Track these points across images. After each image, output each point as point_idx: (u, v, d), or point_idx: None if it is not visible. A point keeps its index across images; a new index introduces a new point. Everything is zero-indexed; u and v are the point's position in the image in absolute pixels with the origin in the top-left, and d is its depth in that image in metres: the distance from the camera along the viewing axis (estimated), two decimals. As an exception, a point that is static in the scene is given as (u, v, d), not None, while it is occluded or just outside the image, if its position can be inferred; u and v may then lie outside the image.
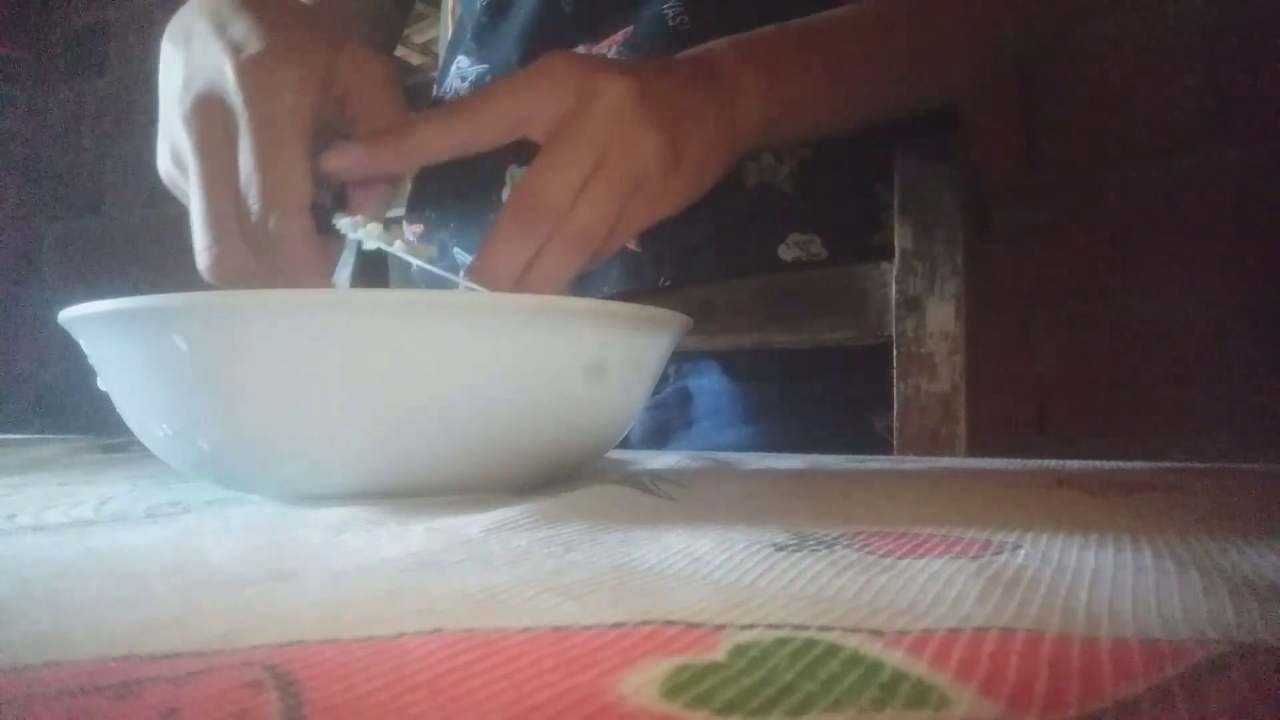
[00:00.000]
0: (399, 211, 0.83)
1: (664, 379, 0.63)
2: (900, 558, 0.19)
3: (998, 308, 1.22)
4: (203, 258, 0.36)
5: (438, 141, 0.38)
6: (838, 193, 0.58)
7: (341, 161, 0.37)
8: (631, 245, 0.59)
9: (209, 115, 0.37)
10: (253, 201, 0.36)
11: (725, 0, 0.56)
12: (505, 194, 0.62)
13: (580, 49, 0.60)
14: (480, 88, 0.38)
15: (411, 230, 0.71)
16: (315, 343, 0.25)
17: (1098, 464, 0.39)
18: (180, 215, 0.38)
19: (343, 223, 0.37)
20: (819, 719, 0.10)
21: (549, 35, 0.61)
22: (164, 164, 0.42)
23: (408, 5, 0.72)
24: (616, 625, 0.14)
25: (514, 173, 0.62)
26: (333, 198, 0.41)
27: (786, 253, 0.58)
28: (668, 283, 0.59)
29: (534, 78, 0.39)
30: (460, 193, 0.66)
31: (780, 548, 0.20)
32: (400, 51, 1.90)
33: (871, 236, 0.58)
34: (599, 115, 0.38)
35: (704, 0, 0.57)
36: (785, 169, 0.57)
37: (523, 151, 0.62)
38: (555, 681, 0.11)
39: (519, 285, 0.37)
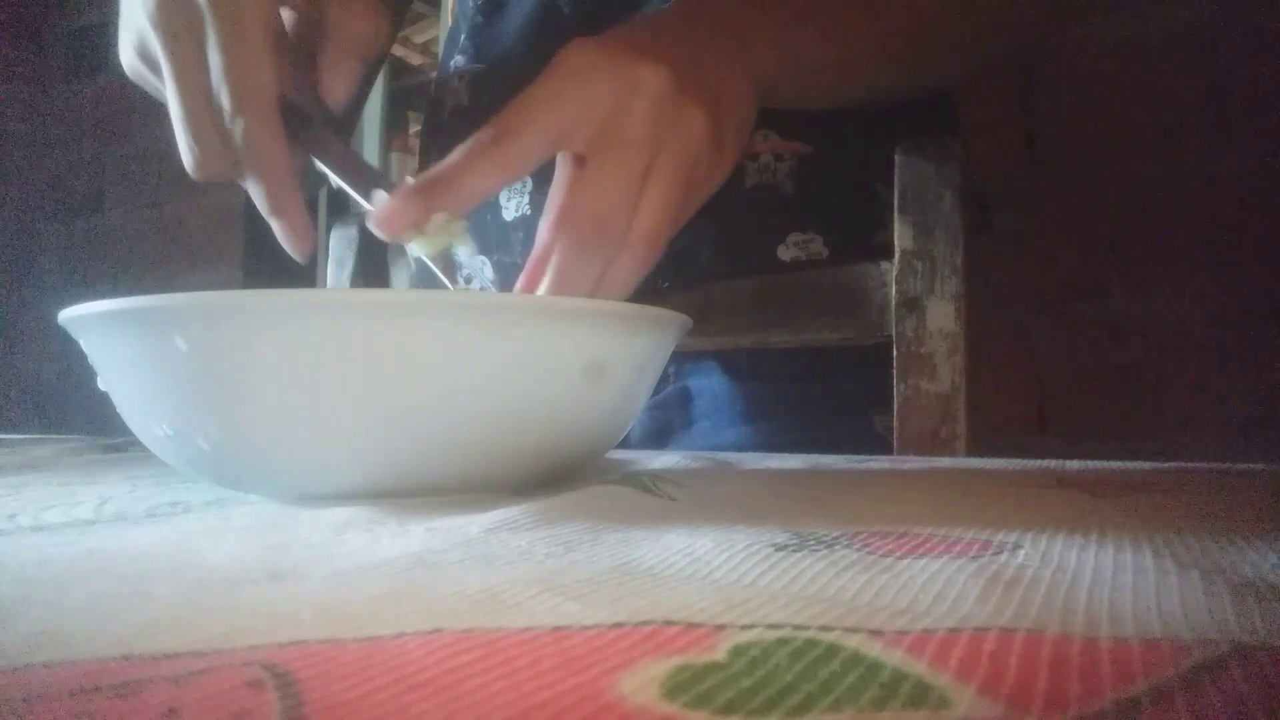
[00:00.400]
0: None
1: (664, 379, 0.63)
2: (900, 558, 0.19)
3: (998, 308, 1.22)
4: (186, 157, 0.37)
5: (490, 182, 0.36)
6: (837, 192, 0.58)
7: (396, 215, 0.35)
8: None
9: (176, 14, 0.37)
10: (224, 101, 0.36)
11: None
12: (503, 194, 0.62)
13: None
14: (508, 107, 0.36)
15: (412, 230, 0.71)
16: (315, 343, 0.25)
17: (1098, 464, 0.39)
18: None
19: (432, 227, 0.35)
20: (819, 719, 0.10)
21: (548, 34, 0.61)
22: (128, 57, 0.42)
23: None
24: (617, 625, 0.14)
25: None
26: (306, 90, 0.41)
27: (786, 253, 0.58)
28: (666, 285, 0.59)
29: (562, 84, 0.36)
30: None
31: (780, 548, 0.20)
32: (400, 51, 1.90)
33: (872, 236, 0.58)
34: (643, 112, 0.36)
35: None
36: (784, 168, 0.57)
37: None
38: (555, 681, 0.11)
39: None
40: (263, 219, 0.44)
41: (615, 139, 0.36)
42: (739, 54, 0.42)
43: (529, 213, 0.62)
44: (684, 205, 0.37)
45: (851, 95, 0.52)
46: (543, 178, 0.61)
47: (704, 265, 0.59)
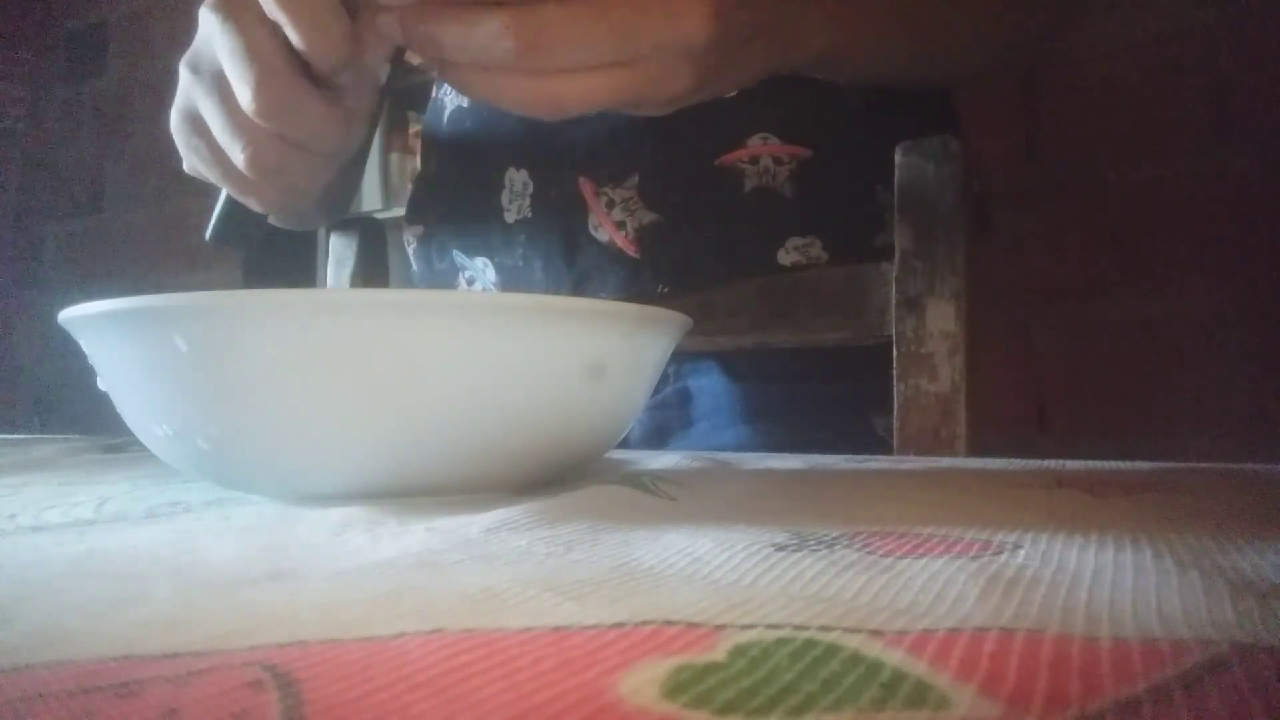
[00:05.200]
0: (399, 213, 0.83)
1: (664, 379, 0.63)
2: (900, 558, 0.19)
3: (998, 308, 1.22)
4: (245, 91, 0.37)
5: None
6: (837, 196, 0.58)
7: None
8: (630, 251, 0.59)
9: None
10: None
11: None
12: (504, 197, 0.62)
13: None
14: None
15: (412, 232, 0.71)
16: (315, 343, 0.25)
17: (1098, 464, 0.39)
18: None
19: None
20: (819, 719, 0.10)
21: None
22: (175, 120, 0.43)
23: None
24: (616, 625, 0.14)
25: (513, 175, 0.62)
26: None
27: (785, 258, 0.58)
28: (666, 289, 0.59)
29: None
30: (460, 195, 0.66)
31: (780, 548, 0.20)
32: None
33: (873, 238, 0.58)
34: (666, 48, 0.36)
35: None
36: (784, 172, 0.57)
37: (523, 154, 0.62)
38: (555, 681, 0.11)
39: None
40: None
41: (625, 31, 0.35)
42: (776, 51, 0.42)
43: (530, 215, 0.62)
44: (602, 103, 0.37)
45: (885, 69, 0.53)
46: (544, 180, 0.61)
47: (703, 271, 0.59)
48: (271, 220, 0.48)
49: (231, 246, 0.47)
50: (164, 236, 2.16)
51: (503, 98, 0.37)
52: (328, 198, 0.46)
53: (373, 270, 0.76)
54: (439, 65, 0.37)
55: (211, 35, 0.39)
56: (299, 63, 0.38)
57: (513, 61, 0.34)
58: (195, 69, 0.41)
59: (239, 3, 0.38)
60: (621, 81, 0.36)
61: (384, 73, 0.41)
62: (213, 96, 0.40)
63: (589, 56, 0.35)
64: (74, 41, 2.39)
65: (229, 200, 0.45)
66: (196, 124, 0.42)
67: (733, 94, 0.58)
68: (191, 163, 0.44)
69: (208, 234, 0.46)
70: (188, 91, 0.42)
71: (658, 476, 0.33)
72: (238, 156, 0.40)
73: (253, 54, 0.37)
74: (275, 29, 0.37)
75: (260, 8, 0.38)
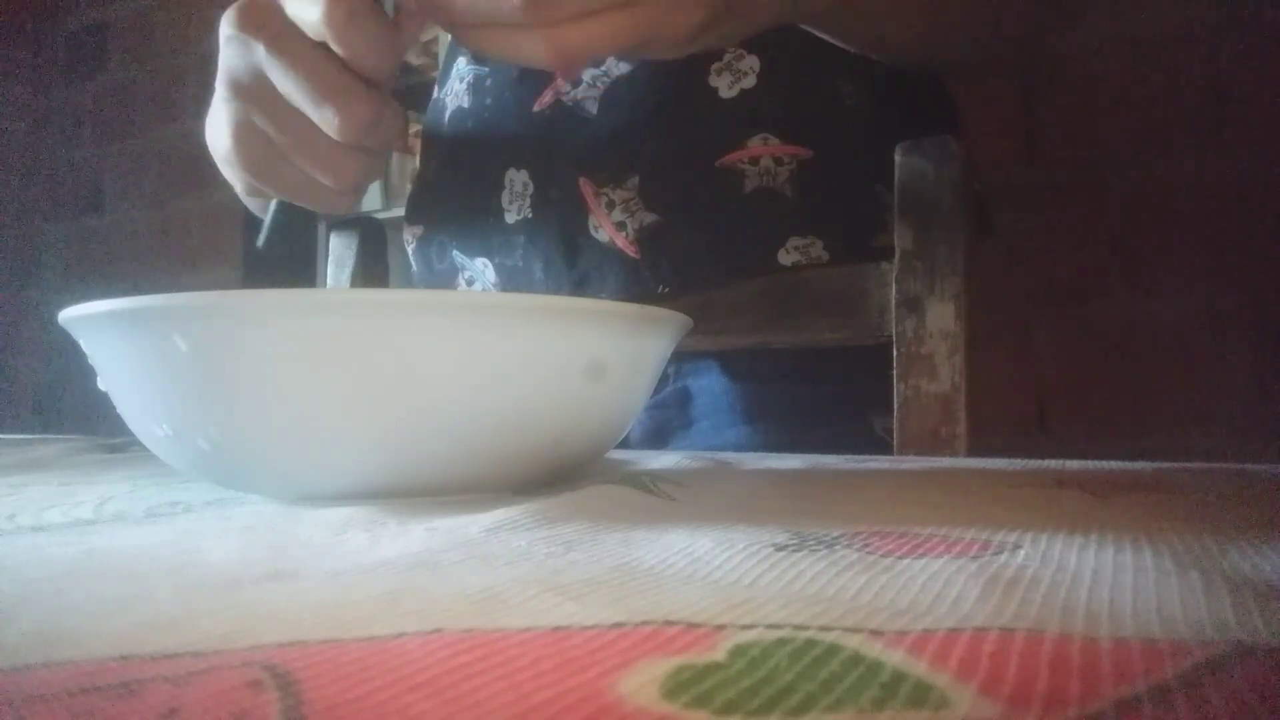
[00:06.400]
0: (399, 213, 0.83)
1: (664, 379, 0.63)
2: (900, 558, 0.19)
3: (998, 308, 1.22)
4: (332, 121, 0.38)
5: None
6: (838, 196, 0.58)
7: None
8: (630, 252, 0.59)
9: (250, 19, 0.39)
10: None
11: None
12: (504, 197, 0.63)
13: None
14: None
15: (412, 232, 0.71)
16: (315, 343, 0.25)
17: (1098, 464, 0.39)
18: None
19: None
20: (819, 719, 0.10)
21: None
22: (223, 147, 0.44)
23: None
24: (616, 625, 0.14)
25: (513, 175, 0.62)
26: None
27: (786, 257, 0.58)
28: (667, 290, 0.59)
29: None
30: (461, 195, 0.66)
31: (780, 548, 0.20)
32: (400, 51, 1.90)
33: (873, 238, 0.58)
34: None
35: None
36: (784, 172, 0.57)
37: (523, 154, 0.62)
38: (555, 681, 0.11)
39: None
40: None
41: None
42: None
43: (530, 216, 0.62)
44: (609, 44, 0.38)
45: (887, 40, 0.53)
46: (544, 180, 0.61)
47: (704, 271, 0.59)
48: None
49: (280, 254, 0.48)
50: (164, 236, 2.16)
51: (515, 54, 0.37)
52: None
53: (373, 270, 0.76)
54: (451, 29, 0.38)
55: (258, 60, 0.39)
56: (352, 70, 0.39)
57: (520, 16, 0.35)
58: (244, 95, 0.41)
59: (275, 26, 0.39)
60: (629, 22, 0.36)
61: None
62: (283, 124, 0.40)
63: (594, 2, 0.35)
64: (74, 41, 2.39)
65: (281, 211, 0.46)
66: (258, 148, 0.42)
67: (733, 95, 0.58)
68: (252, 185, 0.44)
69: (260, 242, 0.47)
70: (243, 118, 0.42)
71: (658, 476, 0.33)
72: (328, 179, 0.41)
73: (322, 83, 0.38)
74: (322, 45, 0.38)
75: (296, 27, 0.38)
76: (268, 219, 0.47)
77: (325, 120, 0.39)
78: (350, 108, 0.38)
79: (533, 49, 0.37)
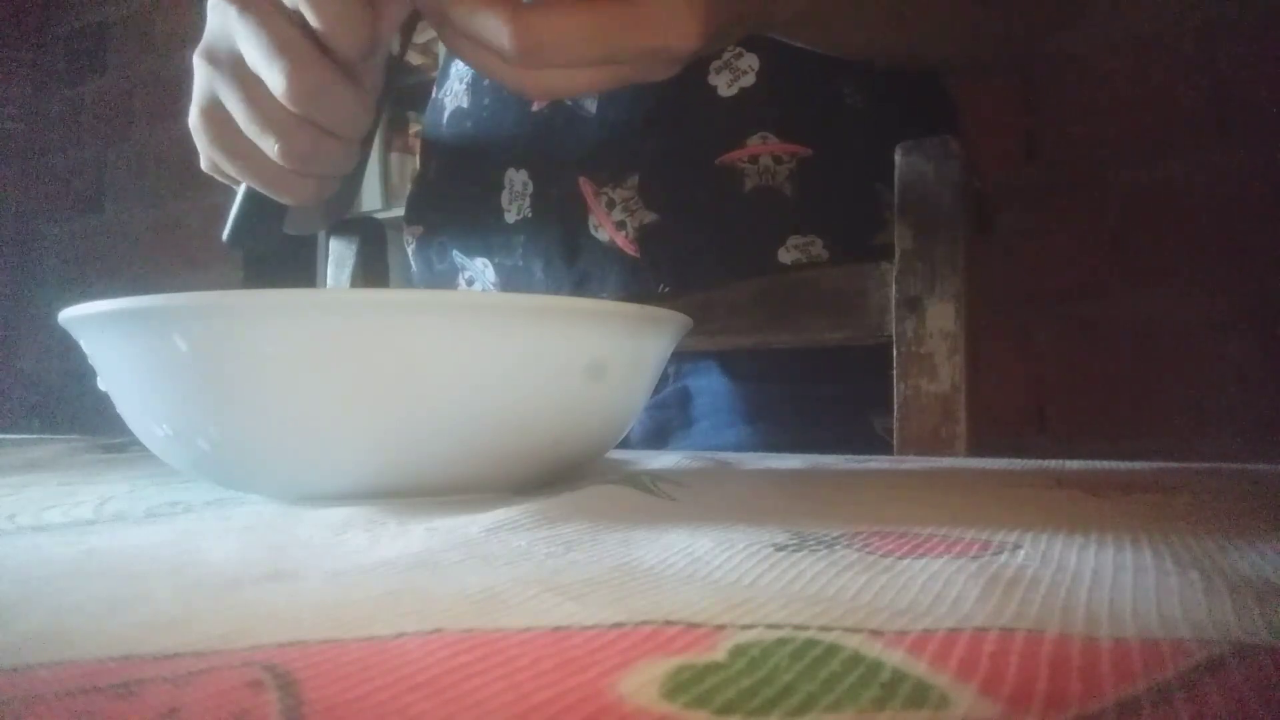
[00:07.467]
0: (399, 213, 0.83)
1: (664, 379, 0.63)
2: (900, 558, 0.19)
3: (998, 308, 1.22)
4: (279, 80, 0.37)
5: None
6: (837, 194, 0.58)
7: None
8: (630, 251, 0.59)
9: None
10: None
11: None
12: (504, 198, 0.63)
13: None
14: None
15: (412, 232, 0.71)
16: (315, 343, 0.25)
17: (1098, 464, 0.39)
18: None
19: None
20: (819, 719, 0.10)
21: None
22: (193, 116, 0.43)
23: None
24: (616, 625, 0.14)
25: (513, 175, 0.62)
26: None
27: (786, 256, 0.58)
28: (667, 289, 0.59)
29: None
30: (460, 195, 0.66)
31: (780, 548, 0.20)
32: (400, 51, 1.90)
33: (873, 236, 0.58)
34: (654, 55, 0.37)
35: None
36: (784, 171, 0.57)
37: (523, 154, 0.62)
38: (555, 681, 0.11)
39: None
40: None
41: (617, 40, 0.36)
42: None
43: (530, 215, 0.62)
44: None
45: (856, 45, 0.53)
46: (544, 180, 0.61)
47: (703, 271, 0.59)
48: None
49: (248, 248, 0.47)
50: (164, 236, 2.16)
51: (496, 79, 0.38)
52: (332, 198, 0.46)
53: (373, 271, 0.76)
54: (438, 28, 0.38)
55: (229, 25, 0.39)
56: (323, 48, 0.38)
57: (508, 55, 0.36)
58: (214, 61, 0.40)
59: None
60: (609, 77, 0.38)
61: (396, 44, 0.41)
62: (238, 89, 0.39)
63: (579, 61, 0.36)
64: (74, 41, 2.39)
65: (246, 201, 0.44)
66: (220, 118, 0.41)
67: (733, 94, 0.58)
68: (213, 160, 0.44)
69: (225, 235, 0.45)
70: (207, 85, 0.41)
71: (658, 476, 0.33)
72: (270, 147, 0.39)
73: (279, 41, 0.37)
74: (295, 15, 0.38)
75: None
76: (234, 209, 0.45)
77: (272, 78, 0.38)
78: (299, 69, 0.37)
79: (515, 82, 0.37)
